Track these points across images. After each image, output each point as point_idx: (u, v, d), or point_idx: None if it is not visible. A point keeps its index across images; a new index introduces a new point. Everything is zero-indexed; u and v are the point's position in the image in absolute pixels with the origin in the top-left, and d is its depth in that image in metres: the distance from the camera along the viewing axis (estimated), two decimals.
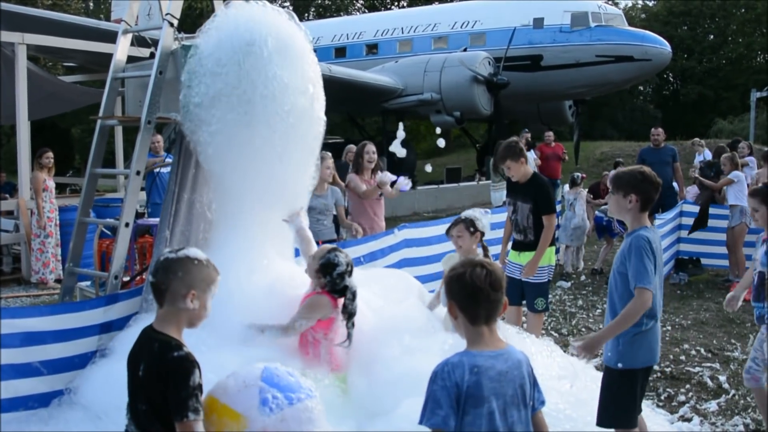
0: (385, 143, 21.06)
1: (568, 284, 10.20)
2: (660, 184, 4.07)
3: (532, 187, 6.19)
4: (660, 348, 4.19)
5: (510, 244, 6.49)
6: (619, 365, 3.97)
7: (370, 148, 7.90)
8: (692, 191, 13.00)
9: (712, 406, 5.65)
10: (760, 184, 10.35)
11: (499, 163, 6.37)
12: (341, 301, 4.36)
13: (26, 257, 10.37)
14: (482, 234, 5.22)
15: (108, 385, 4.02)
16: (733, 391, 5.94)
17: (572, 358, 5.71)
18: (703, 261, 10.80)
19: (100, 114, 5.44)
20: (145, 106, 4.99)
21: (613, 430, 4.06)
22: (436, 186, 21.08)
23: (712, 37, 48.92)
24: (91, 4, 39.11)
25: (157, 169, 9.54)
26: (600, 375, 4.27)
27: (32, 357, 4.30)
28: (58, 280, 9.90)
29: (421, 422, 2.59)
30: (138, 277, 5.59)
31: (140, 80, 5.34)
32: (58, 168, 10.86)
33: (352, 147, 11.31)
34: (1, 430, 3.98)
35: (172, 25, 5.02)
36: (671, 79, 50.29)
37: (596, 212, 12.22)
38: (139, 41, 5.78)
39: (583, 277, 10.73)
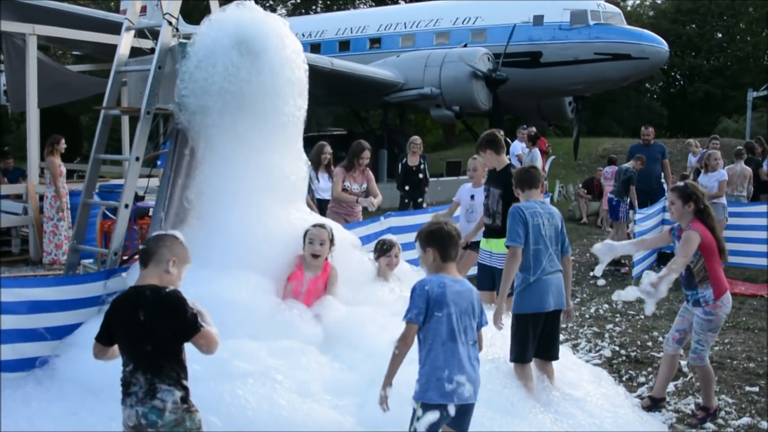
0: (386, 136, 21.53)
1: None
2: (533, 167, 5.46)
3: (504, 174, 6.62)
4: (552, 297, 5.04)
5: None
6: (514, 311, 5.05)
7: (366, 154, 8.48)
8: None
9: (669, 387, 6.04)
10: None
11: (480, 149, 6.83)
12: None
13: (34, 239, 10.83)
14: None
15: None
16: (690, 375, 6.32)
17: None
18: None
19: (104, 104, 5.88)
20: (144, 97, 5.42)
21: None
22: (435, 179, 21.45)
23: (720, 35, 49.06)
24: None
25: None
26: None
27: (38, 323, 4.74)
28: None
29: (404, 318, 3.73)
30: (136, 256, 6.01)
31: (141, 73, 5.77)
32: (66, 154, 11.29)
33: (416, 138, 12.33)
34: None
35: (170, 23, 5.45)
36: (678, 77, 50.47)
37: (608, 195, 12.80)
38: (141, 34, 6.20)
39: None
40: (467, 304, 3.80)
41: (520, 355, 5.02)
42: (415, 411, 3.71)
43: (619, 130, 41.82)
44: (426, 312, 3.69)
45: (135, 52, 6.16)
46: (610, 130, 41.29)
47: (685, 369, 6.46)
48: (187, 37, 5.37)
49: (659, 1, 51.59)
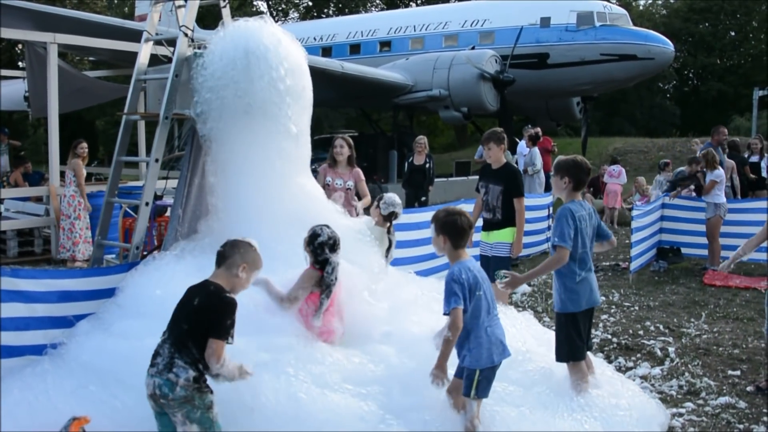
0: (396, 137, 21.89)
1: None
2: (590, 169, 5.16)
3: (504, 172, 7.05)
4: (597, 292, 5.25)
5: (481, 225, 7.33)
6: (561, 311, 5.12)
7: (338, 142, 8.18)
8: None
9: (655, 371, 6.42)
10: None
11: (483, 143, 7.23)
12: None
13: (55, 239, 11.31)
14: (392, 215, 6.42)
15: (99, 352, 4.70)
16: (677, 360, 6.70)
17: (548, 329, 6.48)
18: (684, 250, 11.49)
19: (125, 110, 6.34)
20: (163, 104, 5.86)
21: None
22: (445, 179, 21.78)
23: (732, 33, 49.01)
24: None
25: None
26: None
27: (66, 311, 5.18)
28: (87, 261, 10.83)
29: (448, 309, 4.23)
30: (155, 251, 6.44)
31: (159, 81, 6.21)
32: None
33: (421, 138, 13.15)
34: None
35: (186, 35, 5.89)
36: (691, 76, 50.49)
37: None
38: (158, 43, 6.64)
39: None
40: (485, 277, 4.48)
41: (572, 353, 5.08)
42: (474, 377, 4.29)
43: (631, 130, 41.93)
44: (469, 296, 4.26)
45: (152, 58, 6.60)
46: (623, 129, 41.42)
47: (672, 355, 6.83)
48: (200, 46, 5.80)
49: (672, 0, 51.59)
